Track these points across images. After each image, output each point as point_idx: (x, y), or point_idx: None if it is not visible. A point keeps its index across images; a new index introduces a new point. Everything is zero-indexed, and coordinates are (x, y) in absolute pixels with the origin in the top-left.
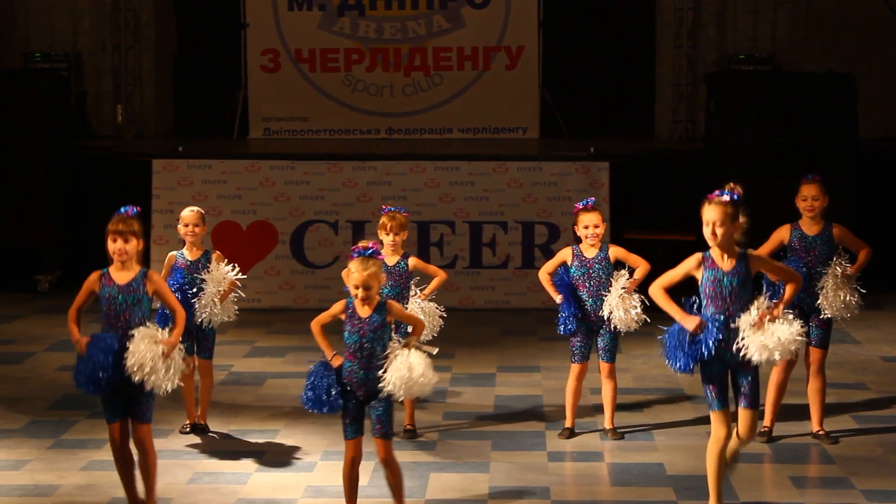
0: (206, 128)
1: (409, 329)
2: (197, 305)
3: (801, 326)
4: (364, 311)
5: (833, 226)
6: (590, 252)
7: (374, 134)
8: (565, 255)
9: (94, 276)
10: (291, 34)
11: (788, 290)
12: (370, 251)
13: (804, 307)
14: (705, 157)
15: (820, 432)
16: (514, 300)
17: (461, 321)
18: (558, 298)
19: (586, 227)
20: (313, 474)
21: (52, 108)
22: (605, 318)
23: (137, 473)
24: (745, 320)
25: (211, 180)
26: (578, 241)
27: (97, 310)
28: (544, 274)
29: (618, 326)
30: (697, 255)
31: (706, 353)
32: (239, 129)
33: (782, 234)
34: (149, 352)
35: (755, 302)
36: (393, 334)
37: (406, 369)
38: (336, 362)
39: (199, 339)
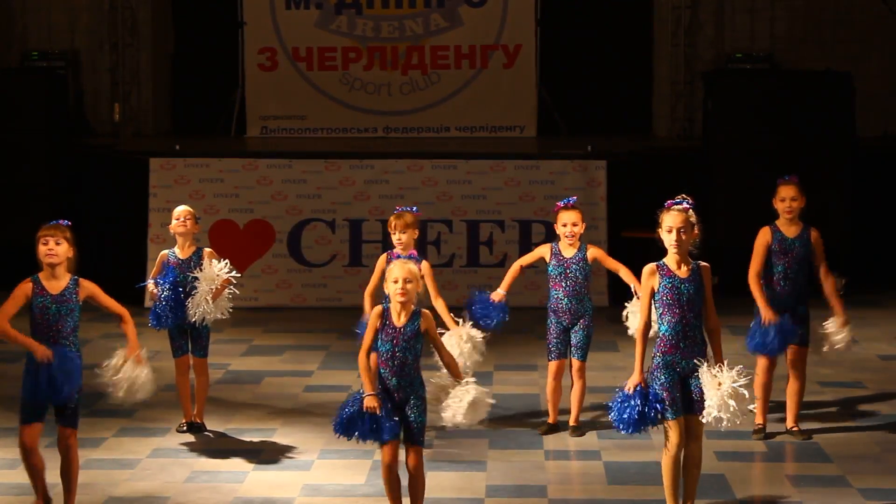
0: (203, 126)
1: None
2: (189, 304)
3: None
4: (399, 320)
5: (811, 229)
6: (568, 251)
7: (372, 132)
8: (543, 251)
9: (26, 284)
10: (289, 32)
11: (714, 343)
12: (410, 256)
13: (778, 307)
14: (703, 155)
15: (794, 429)
16: (511, 299)
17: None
18: (497, 296)
19: (564, 225)
20: (310, 473)
21: (50, 106)
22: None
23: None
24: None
25: (208, 179)
26: (558, 238)
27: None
28: (517, 266)
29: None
30: (650, 266)
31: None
32: (236, 127)
33: (766, 238)
34: (128, 372)
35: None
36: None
37: (468, 405)
38: (370, 402)
39: (193, 338)
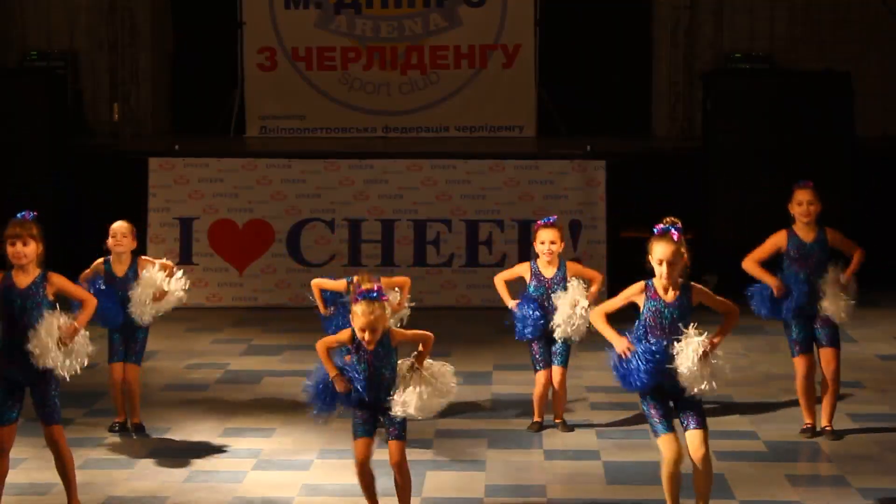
0: (202, 126)
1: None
2: (130, 308)
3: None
4: (370, 346)
5: (826, 230)
6: (548, 271)
7: (371, 132)
8: (523, 270)
9: None
10: (288, 32)
11: (726, 322)
12: (374, 294)
13: (807, 312)
14: (702, 155)
15: (827, 428)
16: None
17: (457, 320)
18: (512, 304)
19: (542, 243)
20: (310, 472)
21: (49, 106)
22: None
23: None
24: (682, 355)
25: (207, 178)
26: (536, 256)
27: None
28: (500, 280)
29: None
30: (640, 284)
31: (640, 383)
32: (235, 127)
33: (779, 240)
34: (50, 337)
35: (691, 331)
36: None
37: (416, 397)
38: (339, 385)
39: (127, 344)
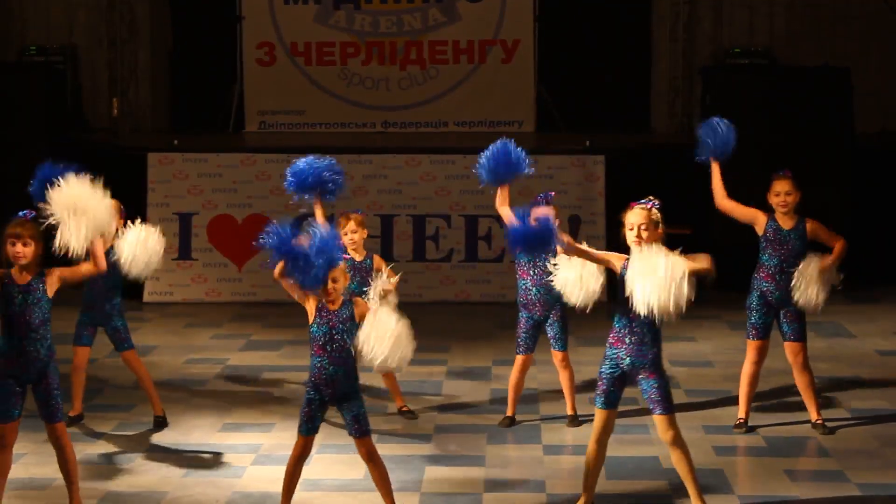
0: (201, 122)
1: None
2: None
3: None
4: (333, 305)
5: (807, 221)
6: None
7: (370, 127)
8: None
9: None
10: (287, 27)
11: (701, 262)
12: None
13: (771, 300)
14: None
15: (818, 421)
16: (509, 294)
17: (456, 315)
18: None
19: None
20: (309, 467)
21: (48, 101)
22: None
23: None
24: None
25: (206, 174)
26: None
27: None
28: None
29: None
30: (623, 255)
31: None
32: (235, 122)
33: (759, 216)
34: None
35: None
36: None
37: (382, 327)
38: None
39: (110, 335)
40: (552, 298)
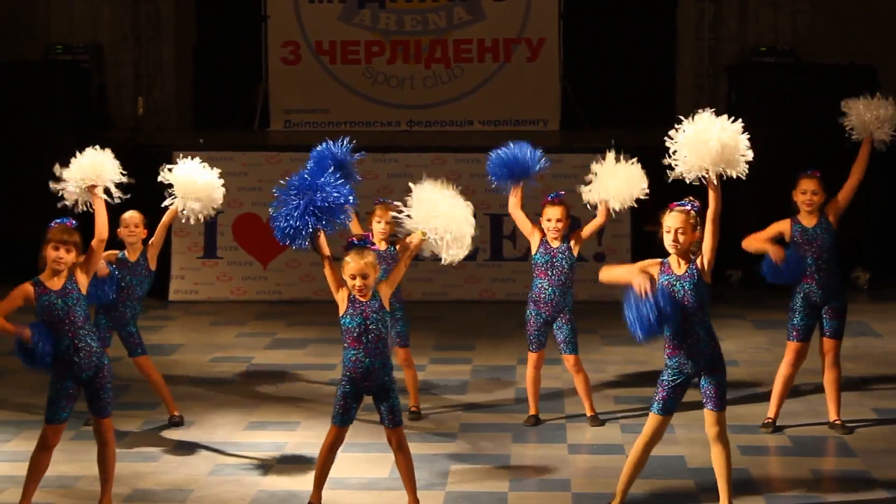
0: (226, 120)
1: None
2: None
3: None
4: (364, 297)
5: (826, 213)
6: (554, 243)
7: (395, 126)
8: (537, 236)
9: (26, 286)
10: (312, 26)
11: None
12: (363, 242)
13: (815, 299)
14: None
15: (836, 421)
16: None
17: (482, 313)
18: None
19: (549, 220)
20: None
21: (73, 99)
22: None
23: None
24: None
25: (231, 172)
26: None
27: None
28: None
29: None
30: (658, 259)
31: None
32: (259, 121)
33: (782, 226)
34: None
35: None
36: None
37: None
38: None
39: (123, 340)
40: (563, 303)
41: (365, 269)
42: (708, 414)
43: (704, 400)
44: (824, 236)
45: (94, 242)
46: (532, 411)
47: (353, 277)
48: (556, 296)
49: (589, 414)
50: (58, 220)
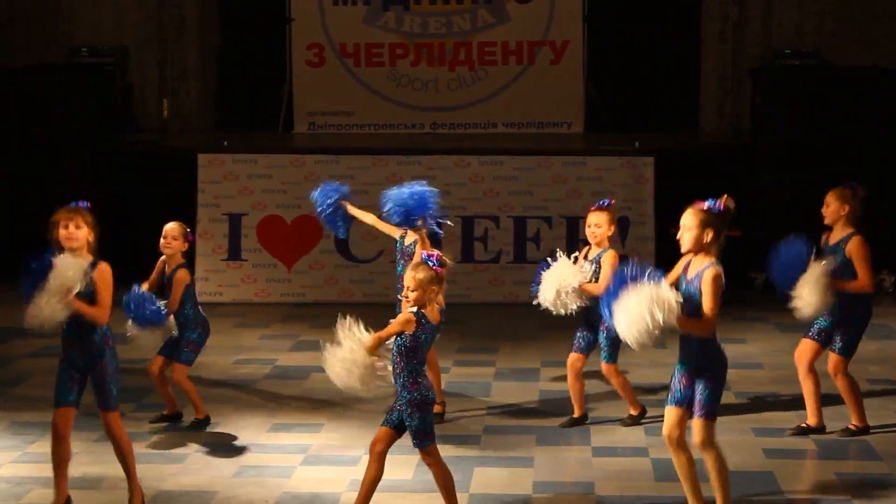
0: (250, 122)
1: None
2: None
3: None
4: (434, 317)
5: (852, 238)
6: (593, 251)
7: (419, 128)
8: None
9: None
10: (336, 29)
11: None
12: (426, 258)
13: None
14: (750, 151)
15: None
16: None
17: (505, 316)
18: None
19: (588, 226)
20: (358, 468)
21: (98, 102)
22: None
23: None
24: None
25: (256, 175)
26: None
27: None
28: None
29: None
30: (688, 257)
31: None
32: (284, 123)
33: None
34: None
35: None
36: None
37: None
38: None
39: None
40: (597, 311)
41: (408, 281)
42: (693, 422)
43: (694, 407)
44: (838, 257)
45: (93, 313)
46: (575, 414)
47: (407, 288)
48: (591, 302)
49: (632, 413)
50: (71, 203)
